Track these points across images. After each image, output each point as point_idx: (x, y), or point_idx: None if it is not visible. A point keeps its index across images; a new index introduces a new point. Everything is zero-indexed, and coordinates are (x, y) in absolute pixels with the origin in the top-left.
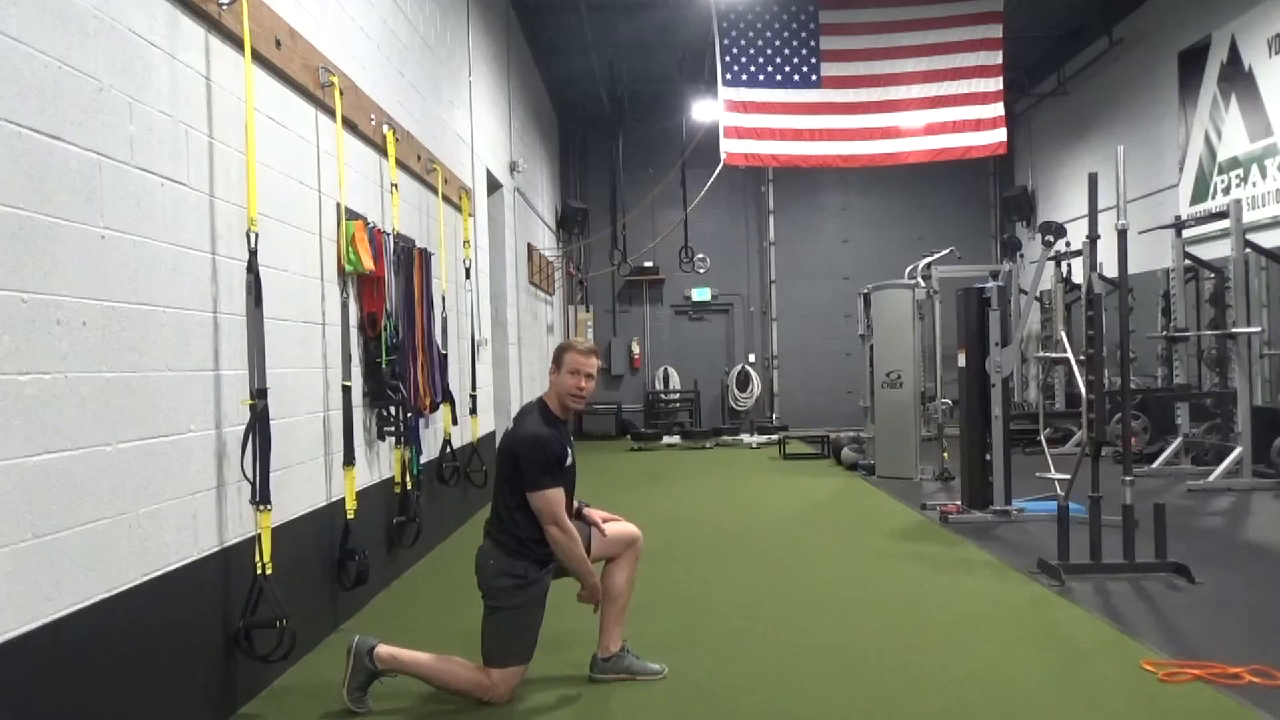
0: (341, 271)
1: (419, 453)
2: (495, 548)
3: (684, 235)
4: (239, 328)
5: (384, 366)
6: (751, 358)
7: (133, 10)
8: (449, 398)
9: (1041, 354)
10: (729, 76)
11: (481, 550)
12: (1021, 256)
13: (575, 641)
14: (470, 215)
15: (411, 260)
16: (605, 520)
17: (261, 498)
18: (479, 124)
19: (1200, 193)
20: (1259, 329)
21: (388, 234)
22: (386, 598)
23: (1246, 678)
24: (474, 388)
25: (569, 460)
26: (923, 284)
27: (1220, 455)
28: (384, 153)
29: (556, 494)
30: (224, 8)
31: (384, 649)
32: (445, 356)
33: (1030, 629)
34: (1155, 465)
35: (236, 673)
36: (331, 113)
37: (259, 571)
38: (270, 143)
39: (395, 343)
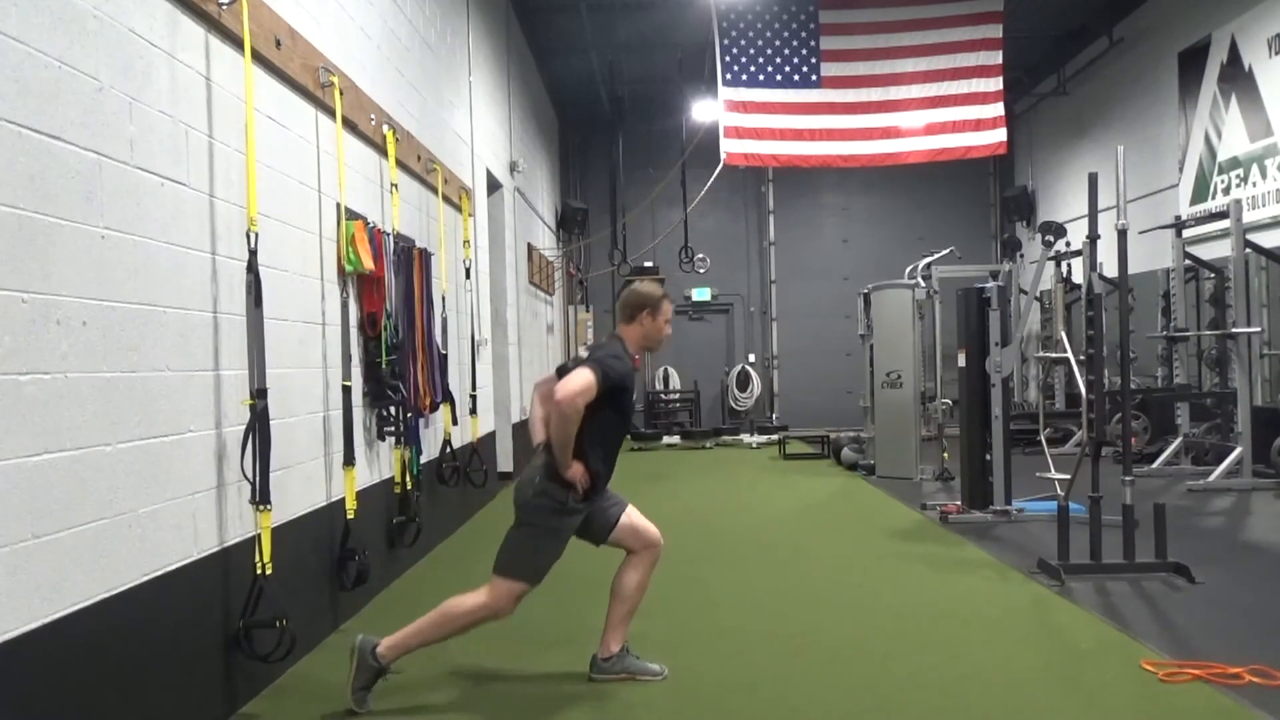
0: (341, 271)
1: (419, 453)
2: (544, 470)
3: (684, 235)
4: (239, 328)
5: (384, 366)
6: (751, 358)
7: (133, 10)
8: (449, 398)
9: (1041, 354)
10: (729, 76)
11: (529, 468)
12: (1021, 256)
13: (575, 642)
14: (470, 215)
15: (411, 260)
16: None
17: (261, 498)
18: (479, 124)
19: (1200, 193)
20: (1259, 329)
21: (388, 234)
22: (386, 598)
23: (1246, 678)
24: (474, 388)
25: (633, 394)
26: (923, 284)
27: (1220, 455)
28: (384, 153)
29: (590, 385)
30: (224, 8)
31: (384, 643)
32: (445, 356)
33: (1030, 629)
34: (1155, 465)
35: (236, 673)
36: (331, 113)
37: (259, 571)
38: (270, 143)
39: (395, 343)
